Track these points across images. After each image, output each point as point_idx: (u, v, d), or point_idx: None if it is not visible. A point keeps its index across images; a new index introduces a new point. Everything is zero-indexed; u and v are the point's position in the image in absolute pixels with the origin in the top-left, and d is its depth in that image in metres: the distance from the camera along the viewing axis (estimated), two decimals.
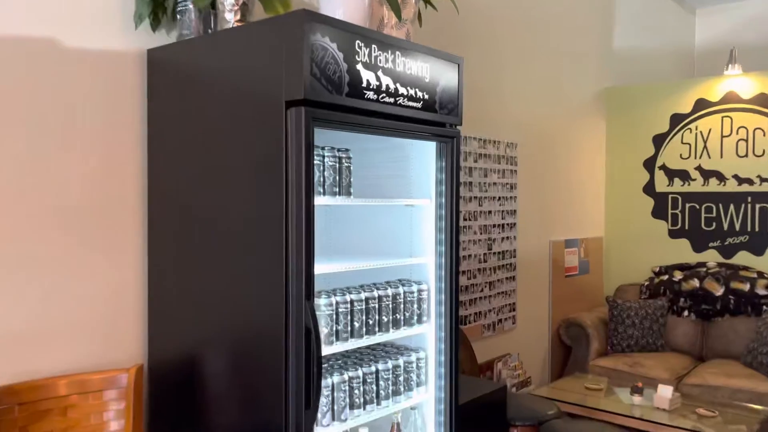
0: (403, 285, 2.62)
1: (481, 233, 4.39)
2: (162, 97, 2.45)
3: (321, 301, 2.28)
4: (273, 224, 2.09)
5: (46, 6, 2.25)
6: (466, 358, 4.11)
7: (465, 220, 4.25)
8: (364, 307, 2.43)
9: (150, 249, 2.51)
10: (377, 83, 2.27)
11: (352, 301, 2.38)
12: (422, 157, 2.70)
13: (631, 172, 5.77)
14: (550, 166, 5.15)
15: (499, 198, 4.56)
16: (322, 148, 2.29)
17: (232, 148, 2.21)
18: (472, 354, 4.17)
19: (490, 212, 4.45)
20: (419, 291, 2.66)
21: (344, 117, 2.17)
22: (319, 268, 2.20)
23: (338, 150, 2.34)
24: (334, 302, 2.31)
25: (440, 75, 2.55)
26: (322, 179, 2.27)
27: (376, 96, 2.27)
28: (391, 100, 2.33)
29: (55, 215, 2.29)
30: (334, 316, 2.31)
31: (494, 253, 4.51)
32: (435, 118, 2.54)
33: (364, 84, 2.23)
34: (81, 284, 2.36)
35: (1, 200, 2.17)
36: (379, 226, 2.86)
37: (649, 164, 5.71)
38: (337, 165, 2.33)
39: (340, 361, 2.53)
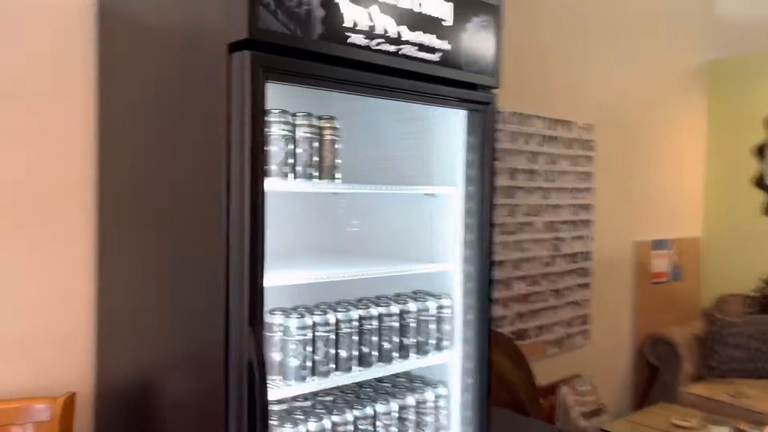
0: (416, 300, 1.98)
1: (546, 231, 3.66)
2: (113, 55, 1.91)
3: (291, 323, 1.68)
4: (208, 220, 1.51)
5: None
6: (522, 381, 3.41)
7: (526, 215, 3.53)
8: (356, 329, 1.81)
9: (99, 246, 1.99)
10: (370, 24, 1.64)
11: (337, 322, 1.77)
12: (448, 131, 2.05)
13: (738, 160, 4.82)
14: (636, 153, 4.32)
15: (571, 190, 3.80)
16: (293, 115, 1.68)
17: (169, 112, 1.65)
18: (529, 376, 3.46)
19: (558, 207, 3.72)
20: (439, 308, 2.01)
21: (314, 68, 1.55)
22: (282, 277, 1.61)
23: (318, 118, 1.73)
24: (310, 323, 1.71)
25: (468, 19, 1.88)
26: (292, 157, 1.67)
27: (367, 41, 1.64)
28: (393, 48, 1.70)
29: None
30: (310, 343, 1.71)
31: (563, 255, 3.77)
32: (460, 77, 1.88)
33: (349, 23, 1.60)
34: (12, 291, 1.86)
35: None
36: (390, 222, 2.23)
37: (761, 151, 4.75)
38: (317, 138, 1.71)
39: (329, 398, 1.92)
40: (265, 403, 1.45)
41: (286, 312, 1.71)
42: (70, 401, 1.86)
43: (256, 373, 1.44)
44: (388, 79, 1.70)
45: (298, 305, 1.82)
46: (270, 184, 1.53)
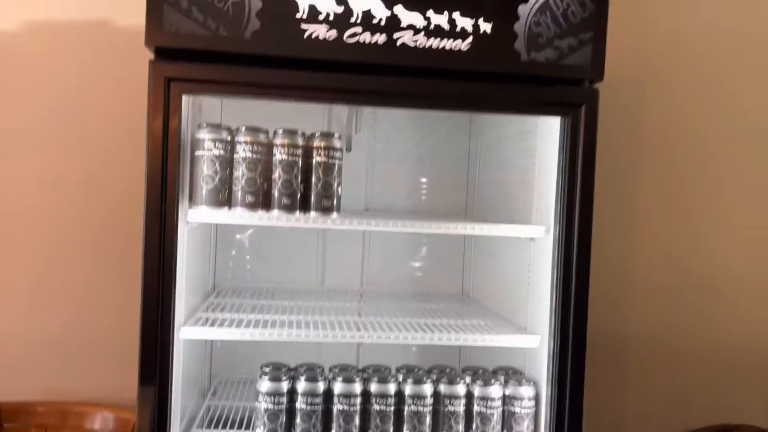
0: (477, 380, 1.44)
1: None
2: None
3: (262, 386, 1.38)
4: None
5: None
6: None
7: None
8: (356, 407, 1.39)
9: None
10: (338, 10, 1.24)
11: (291, 393, 1.38)
12: (547, 146, 1.44)
13: None
14: None
15: None
16: (258, 132, 1.36)
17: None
18: None
19: None
20: (508, 400, 1.42)
21: (246, 74, 1.24)
22: (207, 332, 1.33)
23: (306, 135, 1.38)
24: (283, 390, 1.38)
25: None
26: (264, 181, 1.37)
27: (335, 33, 1.24)
28: (381, 38, 1.25)
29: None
30: (281, 415, 1.37)
31: None
32: (511, 69, 1.29)
33: (303, 13, 1.24)
34: None
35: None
36: (495, 273, 1.69)
37: None
38: (296, 160, 1.37)
39: None
40: None
41: (265, 371, 1.41)
42: None
43: None
44: (374, 80, 1.26)
45: (311, 366, 1.48)
46: (199, 215, 1.29)
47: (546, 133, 1.44)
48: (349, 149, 1.92)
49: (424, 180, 1.97)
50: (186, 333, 1.30)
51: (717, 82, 2.01)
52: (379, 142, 1.93)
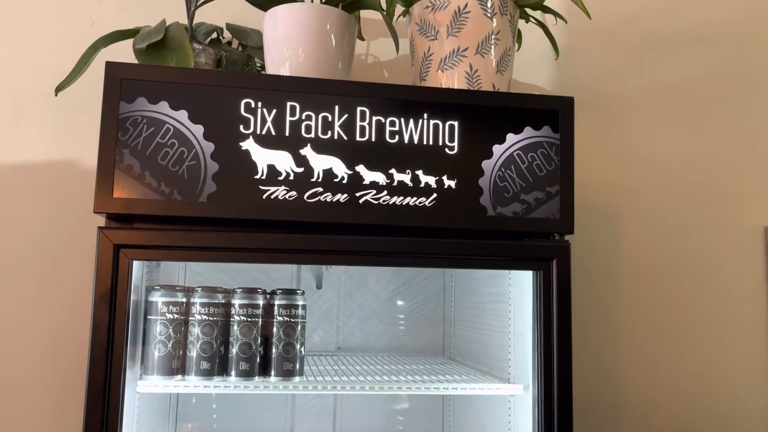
0: None
1: None
2: None
3: None
4: None
5: None
6: None
7: None
8: None
9: None
10: (298, 170, 1.21)
11: None
12: (521, 297, 1.38)
13: None
14: None
15: None
16: (232, 293, 1.30)
17: None
18: None
19: None
20: None
21: (200, 239, 1.18)
22: None
23: (266, 293, 1.32)
24: None
25: (497, 136, 1.27)
26: (221, 345, 1.28)
27: (296, 192, 1.20)
28: (343, 197, 1.21)
29: None
30: None
31: None
32: (478, 224, 1.25)
33: (262, 174, 1.20)
34: None
35: None
36: (475, 420, 1.58)
37: None
38: (254, 321, 1.29)
39: None
40: None
41: None
42: None
43: None
44: (338, 239, 1.21)
45: None
46: (149, 386, 1.19)
47: (518, 281, 1.38)
48: (319, 287, 1.85)
49: (399, 315, 1.90)
50: None
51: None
52: (350, 277, 1.86)
